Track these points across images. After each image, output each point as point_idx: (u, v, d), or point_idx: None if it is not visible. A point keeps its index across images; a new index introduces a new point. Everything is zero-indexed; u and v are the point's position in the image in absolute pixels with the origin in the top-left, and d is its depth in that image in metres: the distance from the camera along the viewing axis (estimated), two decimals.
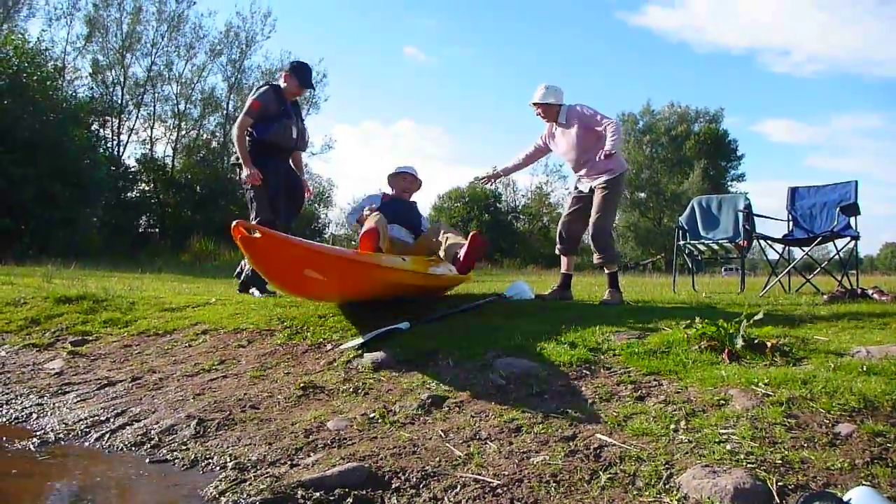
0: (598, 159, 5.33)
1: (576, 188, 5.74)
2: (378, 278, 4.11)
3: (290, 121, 5.71)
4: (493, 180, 6.23)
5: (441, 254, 5.18)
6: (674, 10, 72.64)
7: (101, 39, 31.38)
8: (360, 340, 4.03)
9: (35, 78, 19.48)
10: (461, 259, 4.91)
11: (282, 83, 5.84)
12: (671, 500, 2.01)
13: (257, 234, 3.21)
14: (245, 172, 5.47)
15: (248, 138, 5.59)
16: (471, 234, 5.05)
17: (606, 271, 5.58)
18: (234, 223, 3.20)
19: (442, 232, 5.28)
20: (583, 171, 5.59)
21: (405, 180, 5.84)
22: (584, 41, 66.18)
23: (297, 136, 5.81)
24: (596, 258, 5.57)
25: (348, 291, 4.17)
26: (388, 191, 5.90)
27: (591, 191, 5.53)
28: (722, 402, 2.68)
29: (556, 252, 5.84)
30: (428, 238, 5.36)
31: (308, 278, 3.61)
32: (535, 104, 5.60)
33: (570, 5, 68.50)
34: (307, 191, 6.11)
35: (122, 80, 31.78)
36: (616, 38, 70.06)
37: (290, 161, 6.00)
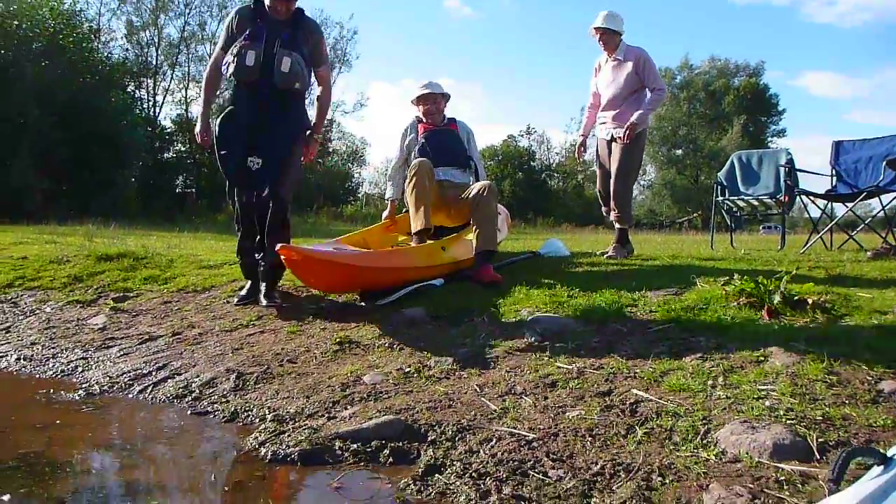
0: (630, 110, 5.39)
1: (600, 137, 5.69)
2: (406, 276, 4.22)
3: (246, 43, 4.03)
4: (582, 147, 6.07)
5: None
6: None
7: (134, 0, 31.51)
8: (395, 296, 4.05)
9: (71, 40, 19.64)
10: (472, 271, 4.51)
11: None
12: (708, 455, 1.99)
13: (296, 257, 3.66)
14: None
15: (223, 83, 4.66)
16: (481, 269, 4.43)
17: (618, 226, 5.60)
18: (277, 247, 3.63)
19: (480, 203, 4.55)
20: (609, 114, 5.56)
21: (426, 103, 5.22)
22: None
23: (253, 62, 4.01)
24: (613, 215, 5.56)
25: (376, 286, 4.22)
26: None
27: (612, 139, 5.52)
28: (761, 358, 2.65)
29: (604, 213, 5.80)
30: (469, 192, 4.70)
31: (341, 282, 4.05)
32: (597, 28, 5.51)
33: None
34: (306, 148, 4.37)
35: (156, 40, 32.03)
36: None
37: (281, 103, 4.16)
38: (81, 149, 18.37)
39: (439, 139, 5.12)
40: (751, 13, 70.58)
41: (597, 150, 5.79)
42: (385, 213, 5.33)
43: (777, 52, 72.84)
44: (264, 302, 4.24)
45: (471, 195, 4.62)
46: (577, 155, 6.11)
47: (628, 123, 5.31)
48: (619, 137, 5.36)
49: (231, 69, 4.05)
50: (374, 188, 45.06)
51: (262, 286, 4.32)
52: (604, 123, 5.59)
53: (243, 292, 4.48)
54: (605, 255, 5.44)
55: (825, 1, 78.49)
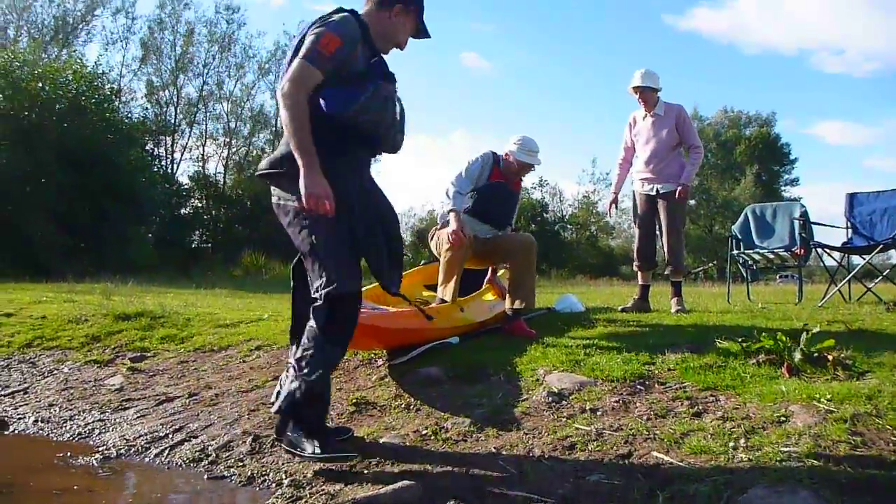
0: (671, 165, 5.58)
1: (636, 191, 5.75)
2: (423, 336, 4.17)
3: (391, 86, 2.92)
4: (614, 204, 6.10)
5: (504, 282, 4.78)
6: (721, 10, 71.38)
7: (155, 61, 32.44)
8: (410, 355, 4.04)
9: (93, 101, 20.13)
10: (505, 325, 4.56)
11: (367, 10, 3.01)
12: None
13: None
14: (303, 183, 2.66)
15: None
16: (515, 324, 4.49)
17: (673, 279, 5.70)
18: None
19: (520, 256, 4.52)
20: (650, 168, 5.66)
21: (522, 168, 4.85)
22: (631, 45, 65.46)
23: (400, 117, 2.97)
24: (670, 270, 5.69)
25: (393, 346, 4.21)
26: (505, 153, 4.84)
27: (657, 194, 5.61)
28: (782, 418, 2.61)
29: (634, 269, 5.90)
30: (510, 243, 4.67)
31: (360, 341, 3.75)
32: (636, 87, 5.64)
33: (614, 10, 67.86)
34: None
35: (175, 99, 32.73)
36: (663, 41, 69.09)
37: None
38: (100, 205, 18.67)
39: (503, 197, 4.88)
40: (760, 63, 71.29)
41: (635, 207, 5.84)
42: (453, 225, 4.46)
43: (788, 101, 73.30)
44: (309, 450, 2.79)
45: (511, 246, 4.61)
46: (608, 212, 6.24)
47: (682, 183, 5.49)
48: (675, 195, 5.50)
49: (366, 119, 2.86)
50: None
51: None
52: (645, 179, 5.67)
53: None
54: (674, 312, 5.46)
55: (833, 51, 79.26)
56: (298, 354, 2.76)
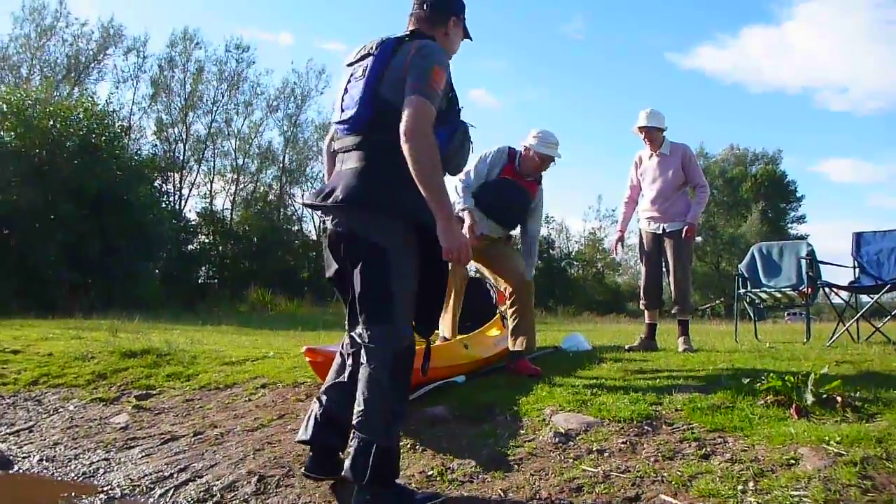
0: (676, 204, 5.64)
1: (643, 230, 5.78)
2: (441, 375, 4.12)
3: (467, 127, 2.86)
4: (620, 242, 6.18)
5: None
6: (726, 50, 72.13)
7: (164, 99, 32.88)
8: (416, 394, 4.02)
9: (103, 138, 20.34)
10: (509, 364, 4.54)
11: (426, 31, 2.85)
12: None
13: (320, 359, 3.60)
14: (446, 236, 2.54)
15: None
16: (518, 363, 4.50)
17: (680, 318, 5.72)
18: (303, 349, 3.49)
19: (520, 303, 4.52)
20: (656, 207, 5.71)
21: (544, 162, 4.67)
22: (635, 83, 66.01)
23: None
24: (677, 309, 5.72)
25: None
26: (524, 147, 4.69)
27: (664, 232, 5.64)
28: (791, 461, 2.59)
29: (640, 307, 5.89)
30: (510, 263, 4.63)
31: None
32: (642, 128, 5.70)
33: (618, 49, 68.58)
34: None
35: (184, 136, 33.10)
36: (667, 79, 69.73)
37: None
38: (109, 242, 18.78)
39: (510, 194, 4.64)
40: (765, 101, 71.79)
41: (641, 245, 5.86)
42: (467, 222, 4.41)
43: (794, 138, 73.62)
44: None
45: (509, 269, 4.57)
46: (613, 251, 6.31)
47: (689, 222, 5.53)
48: (682, 234, 5.53)
49: (455, 156, 2.84)
50: None
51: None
52: (651, 218, 5.70)
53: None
54: (681, 351, 5.47)
55: (837, 89, 79.85)
56: (361, 408, 2.58)
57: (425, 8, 2.85)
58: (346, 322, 2.85)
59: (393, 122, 2.52)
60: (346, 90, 2.75)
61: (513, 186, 4.64)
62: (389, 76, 2.63)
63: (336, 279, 2.82)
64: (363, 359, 2.62)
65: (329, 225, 2.74)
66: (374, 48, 2.71)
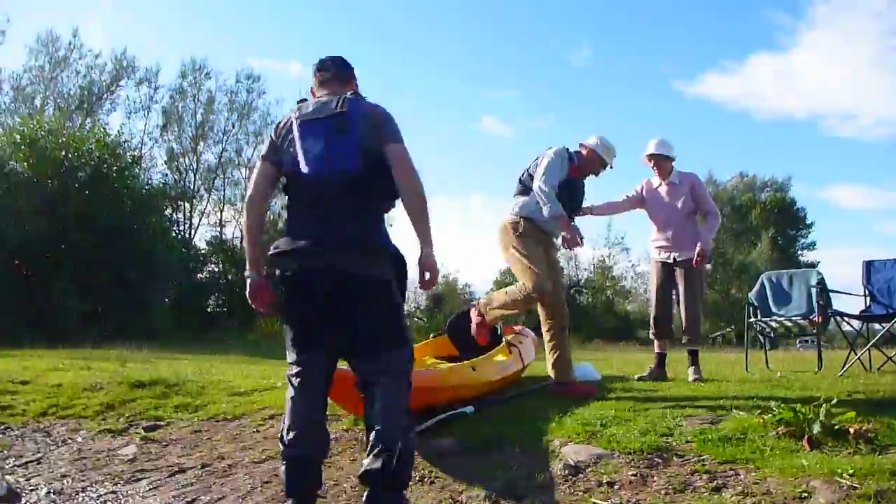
0: (687, 233, 5.60)
1: (654, 259, 5.76)
2: (434, 398, 4.14)
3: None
4: (589, 212, 5.63)
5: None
6: (732, 77, 72.34)
7: (176, 129, 33.16)
8: (423, 426, 4.00)
9: (115, 168, 20.55)
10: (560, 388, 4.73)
11: None
12: None
13: None
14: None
15: None
16: (570, 386, 4.73)
17: (690, 348, 5.70)
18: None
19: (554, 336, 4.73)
20: (666, 236, 5.71)
21: (602, 165, 4.99)
22: (640, 111, 66.14)
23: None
24: (687, 339, 5.70)
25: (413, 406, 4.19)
26: (585, 148, 4.96)
27: (675, 262, 5.63)
28: (804, 494, 2.56)
29: (650, 336, 5.85)
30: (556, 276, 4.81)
31: None
32: (651, 156, 5.71)
33: (624, 77, 68.86)
34: None
35: (194, 166, 33.33)
36: (673, 107, 69.86)
37: None
38: (119, 271, 18.88)
39: (580, 190, 5.00)
40: (773, 129, 71.61)
41: (655, 274, 5.84)
42: (566, 232, 4.72)
43: (803, 165, 73.23)
44: None
45: (555, 281, 4.70)
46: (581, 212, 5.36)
47: (700, 250, 5.47)
48: (693, 262, 5.50)
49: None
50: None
51: None
52: (661, 247, 5.70)
53: None
54: (692, 381, 5.48)
55: (845, 116, 79.64)
56: (387, 436, 2.71)
57: (337, 69, 3.14)
58: (302, 351, 2.91)
59: (374, 171, 2.81)
60: (310, 143, 2.87)
61: (580, 184, 4.98)
62: (363, 131, 2.84)
63: (302, 318, 2.90)
64: (382, 381, 2.80)
65: (302, 265, 2.87)
66: (340, 107, 2.88)
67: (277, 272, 2.95)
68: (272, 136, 3.03)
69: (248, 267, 3.08)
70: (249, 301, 3.07)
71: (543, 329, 4.73)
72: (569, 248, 4.88)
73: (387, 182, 2.82)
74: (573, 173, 4.84)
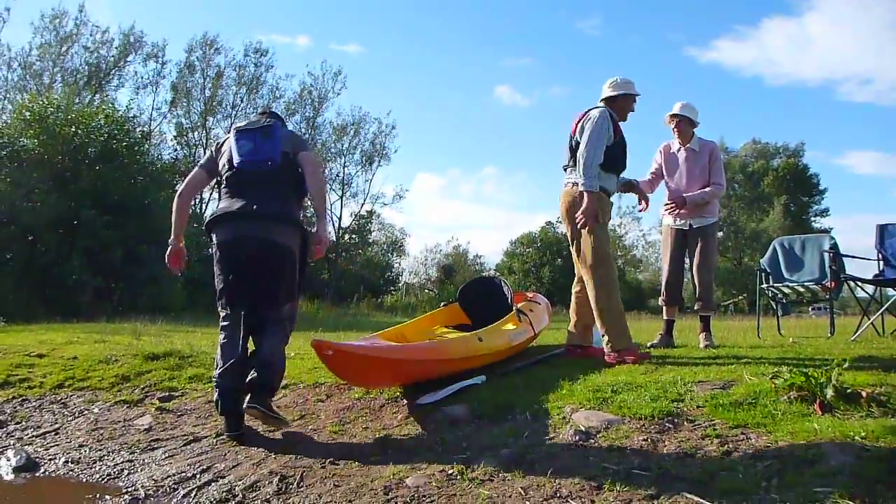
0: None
1: (669, 225, 5.70)
2: (443, 369, 4.23)
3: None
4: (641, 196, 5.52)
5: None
6: (745, 42, 71.28)
7: (184, 104, 33.08)
8: (437, 397, 4.02)
9: (124, 144, 20.53)
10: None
11: None
12: None
13: (330, 352, 3.64)
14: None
15: None
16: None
17: (703, 314, 5.65)
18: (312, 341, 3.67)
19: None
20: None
21: (633, 100, 4.96)
22: (654, 79, 65.33)
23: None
24: (699, 305, 5.65)
25: (420, 378, 4.23)
26: (618, 97, 4.90)
27: (690, 227, 5.59)
28: (816, 457, 2.56)
29: (660, 303, 5.81)
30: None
31: (377, 377, 4.08)
32: (674, 116, 5.61)
33: (635, 44, 68.02)
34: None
35: (204, 141, 33.28)
36: (686, 73, 68.96)
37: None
38: (132, 247, 18.94)
39: (625, 147, 4.91)
40: (786, 95, 70.70)
41: (668, 240, 5.74)
42: (594, 207, 4.60)
43: (817, 131, 72.31)
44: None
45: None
46: (641, 209, 5.50)
47: (680, 200, 5.53)
48: (710, 229, 5.56)
49: None
50: (413, 277, 45.38)
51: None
52: (677, 213, 5.60)
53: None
54: (703, 347, 5.45)
55: (861, 80, 78.37)
56: (262, 360, 3.72)
57: (272, 113, 4.21)
58: (231, 305, 3.84)
59: (290, 167, 3.89)
60: (243, 143, 3.88)
61: (624, 140, 4.87)
62: (282, 140, 3.93)
63: (228, 278, 3.82)
64: (270, 325, 3.80)
65: (236, 234, 3.80)
66: (267, 122, 3.97)
67: (213, 238, 3.88)
68: (212, 150, 4.12)
69: (172, 237, 4.08)
70: (166, 261, 4.20)
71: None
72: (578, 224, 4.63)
73: (298, 176, 3.88)
74: (616, 130, 4.76)
